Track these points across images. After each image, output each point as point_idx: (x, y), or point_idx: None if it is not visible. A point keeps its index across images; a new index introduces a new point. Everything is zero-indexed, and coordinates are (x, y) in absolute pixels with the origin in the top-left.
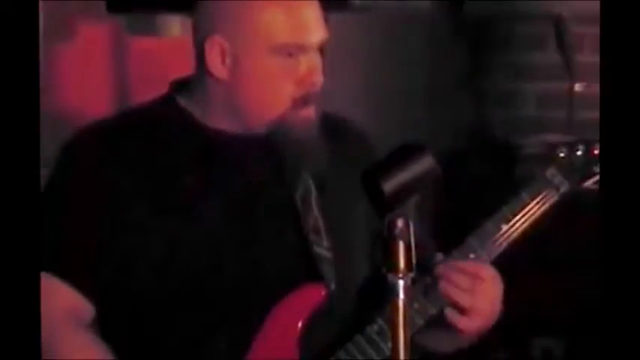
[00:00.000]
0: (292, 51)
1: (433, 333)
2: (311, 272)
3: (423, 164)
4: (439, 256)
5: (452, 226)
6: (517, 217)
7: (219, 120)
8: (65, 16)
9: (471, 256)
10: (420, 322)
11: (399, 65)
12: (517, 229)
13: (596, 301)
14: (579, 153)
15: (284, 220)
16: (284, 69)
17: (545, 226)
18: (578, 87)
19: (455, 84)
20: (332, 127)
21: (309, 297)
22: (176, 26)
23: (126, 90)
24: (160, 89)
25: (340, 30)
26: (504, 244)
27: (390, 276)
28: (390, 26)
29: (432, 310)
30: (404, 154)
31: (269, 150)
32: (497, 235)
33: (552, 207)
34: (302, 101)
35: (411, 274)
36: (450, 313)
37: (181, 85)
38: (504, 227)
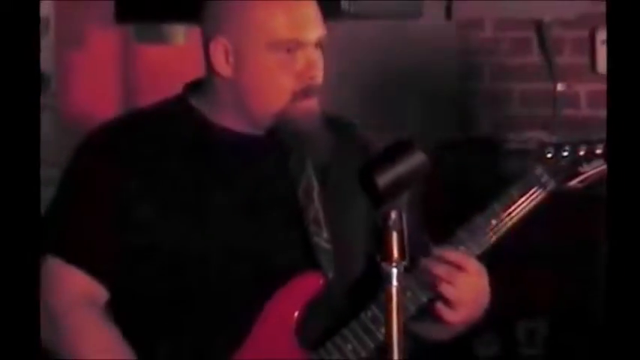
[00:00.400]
0: (290, 47)
1: (424, 322)
2: (311, 262)
3: (415, 160)
4: (431, 247)
5: (443, 220)
6: (506, 213)
7: (227, 118)
8: (77, 25)
9: (461, 248)
10: (412, 308)
11: (393, 67)
12: (506, 223)
13: (575, 288)
14: (565, 153)
15: (287, 212)
16: (283, 64)
17: (532, 221)
18: (559, 87)
19: (445, 84)
20: (331, 125)
21: (308, 285)
22: (181, 35)
23: (133, 94)
24: (165, 94)
25: (335, 34)
26: (493, 237)
27: (384, 264)
28: (383, 30)
29: (423, 298)
30: (397, 151)
31: (274, 147)
32: (487, 229)
33: (539, 204)
34: (302, 94)
35: (404, 263)
36: (437, 306)
37: (194, 86)
38: (494, 222)
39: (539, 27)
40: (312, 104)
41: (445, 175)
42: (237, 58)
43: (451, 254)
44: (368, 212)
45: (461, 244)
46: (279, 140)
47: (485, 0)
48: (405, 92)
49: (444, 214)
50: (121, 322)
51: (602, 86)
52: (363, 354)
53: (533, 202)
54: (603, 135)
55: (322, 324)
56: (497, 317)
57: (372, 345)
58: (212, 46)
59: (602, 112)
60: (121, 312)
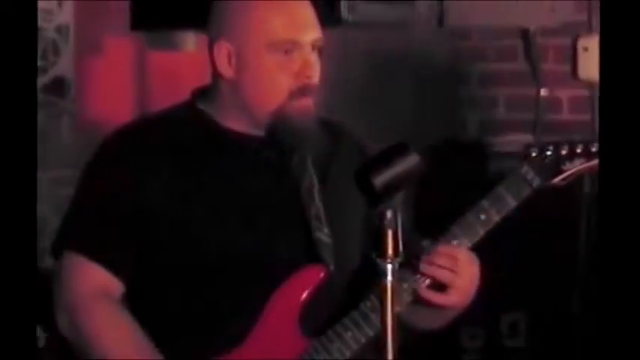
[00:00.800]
0: (287, 48)
1: (419, 311)
2: (313, 255)
3: (409, 162)
4: (426, 241)
5: (437, 216)
6: (494, 209)
7: (231, 120)
8: (95, 33)
9: (454, 242)
10: (409, 299)
11: (388, 74)
12: (494, 219)
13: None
14: (549, 153)
15: (290, 209)
16: (281, 64)
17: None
18: (543, 92)
19: (436, 90)
20: (331, 129)
21: (311, 277)
22: (191, 42)
23: (147, 98)
24: (176, 98)
25: (334, 42)
26: (483, 232)
27: (380, 261)
28: (379, 39)
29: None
30: (392, 153)
31: (276, 147)
32: (477, 225)
33: (525, 200)
34: (298, 93)
35: (398, 259)
36: (430, 291)
37: (201, 91)
38: (483, 217)
39: (524, 35)
40: (308, 103)
41: (437, 176)
42: (238, 59)
43: (446, 248)
44: (364, 209)
45: (454, 238)
46: (280, 141)
47: (474, 10)
48: (397, 97)
49: (437, 212)
50: (135, 313)
51: (583, 92)
52: (363, 340)
53: (519, 199)
54: (584, 136)
55: (324, 313)
56: (482, 311)
57: (370, 333)
58: (215, 49)
59: (583, 116)
60: (136, 303)
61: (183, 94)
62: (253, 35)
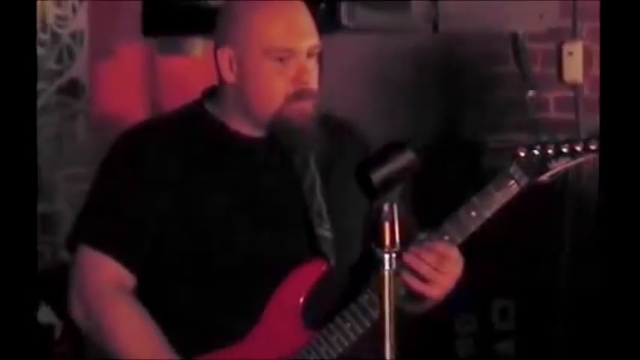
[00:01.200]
0: (283, 55)
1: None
2: (315, 250)
3: (406, 159)
4: (422, 235)
5: (430, 212)
6: (484, 206)
7: (235, 121)
8: (109, 39)
9: (446, 237)
10: (402, 292)
11: (386, 77)
12: (484, 215)
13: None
14: (536, 152)
15: (293, 206)
16: (277, 70)
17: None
18: (532, 93)
19: (431, 91)
20: (335, 127)
21: (312, 271)
22: (199, 47)
23: (157, 100)
24: (184, 100)
25: (336, 47)
26: (473, 227)
27: (378, 251)
28: (378, 44)
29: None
30: (389, 151)
31: (278, 148)
32: (468, 221)
33: (514, 198)
34: (295, 97)
35: (395, 249)
36: (412, 277)
37: (209, 93)
38: (473, 214)
39: (513, 40)
40: (305, 106)
41: (432, 173)
42: (238, 65)
43: (439, 246)
44: (363, 204)
45: (446, 233)
46: (279, 141)
47: (467, 16)
48: (396, 99)
49: (431, 208)
50: (147, 304)
51: (568, 93)
52: (360, 332)
53: (508, 196)
54: (569, 135)
55: (326, 306)
56: (475, 298)
57: (368, 324)
58: (219, 54)
59: (568, 115)
60: (144, 298)
61: (190, 96)
62: (252, 42)
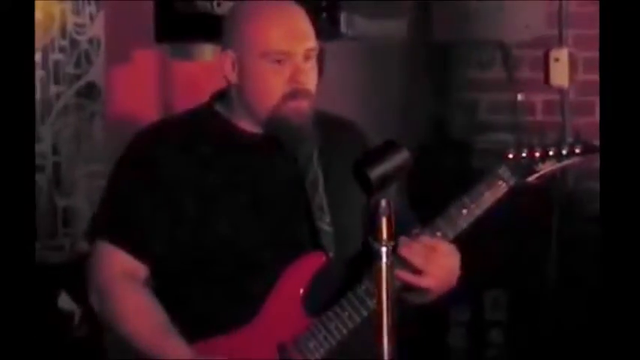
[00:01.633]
0: (280, 57)
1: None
2: (315, 242)
3: (400, 157)
4: (415, 230)
5: (423, 210)
6: (475, 204)
7: (241, 120)
8: (123, 45)
9: (438, 233)
10: (398, 284)
11: (382, 81)
12: (474, 213)
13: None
14: (524, 154)
15: (296, 200)
16: (273, 71)
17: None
18: (519, 97)
19: (425, 94)
20: (333, 124)
21: (312, 263)
22: (208, 53)
23: (169, 102)
24: (195, 102)
25: (335, 54)
26: (464, 224)
27: (375, 244)
28: (375, 50)
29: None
30: (386, 149)
31: (281, 145)
32: (459, 218)
33: (502, 197)
34: (290, 96)
35: (392, 243)
36: (403, 271)
37: (218, 95)
38: (464, 211)
39: (502, 47)
40: (301, 105)
41: (424, 172)
42: (239, 66)
43: (428, 239)
44: (362, 199)
45: (438, 230)
46: (277, 137)
47: (458, 24)
48: (390, 101)
49: (424, 206)
50: (158, 294)
51: (554, 96)
52: (358, 320)
53: (498, 195)
54: (555, 138)
55: (325, 295)
56: (468, 288)
57: (365, 313)
58: (223, 58)
59: (554, 118)
60: (159, 285)
61: (201, 99)
62: (250, 46)
